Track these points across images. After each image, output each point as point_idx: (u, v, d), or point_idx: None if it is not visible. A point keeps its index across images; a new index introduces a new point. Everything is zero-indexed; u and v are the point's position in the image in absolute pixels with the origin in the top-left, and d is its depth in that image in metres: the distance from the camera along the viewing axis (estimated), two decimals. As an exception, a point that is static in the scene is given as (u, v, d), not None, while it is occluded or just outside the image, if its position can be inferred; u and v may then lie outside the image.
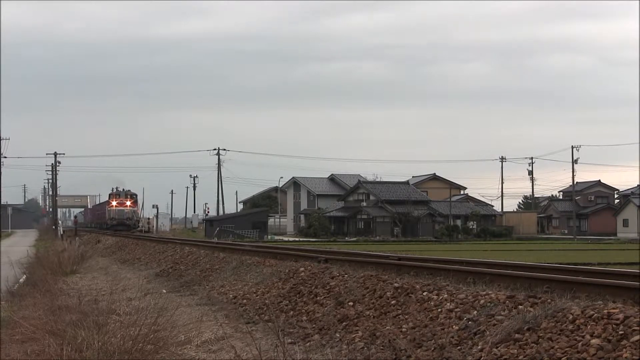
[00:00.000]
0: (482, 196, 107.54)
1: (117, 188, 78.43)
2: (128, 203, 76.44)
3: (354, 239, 75.52)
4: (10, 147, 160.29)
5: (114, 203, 76.10)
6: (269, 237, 75.63)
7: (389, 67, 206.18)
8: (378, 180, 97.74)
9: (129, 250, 37.99)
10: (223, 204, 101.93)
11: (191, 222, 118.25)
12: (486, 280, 11.96)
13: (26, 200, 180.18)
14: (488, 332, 8.91)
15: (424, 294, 11.33)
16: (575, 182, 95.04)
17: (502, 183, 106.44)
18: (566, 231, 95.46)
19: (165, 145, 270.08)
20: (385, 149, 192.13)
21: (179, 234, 77.74)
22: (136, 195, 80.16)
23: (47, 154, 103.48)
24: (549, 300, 9.17)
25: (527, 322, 8.56)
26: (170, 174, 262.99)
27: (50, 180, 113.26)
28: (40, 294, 17.89)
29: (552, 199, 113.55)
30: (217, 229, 75.88)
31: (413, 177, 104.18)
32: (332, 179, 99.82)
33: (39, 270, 24.83)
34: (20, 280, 23.60)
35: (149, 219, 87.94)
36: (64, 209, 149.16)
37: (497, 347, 8.39)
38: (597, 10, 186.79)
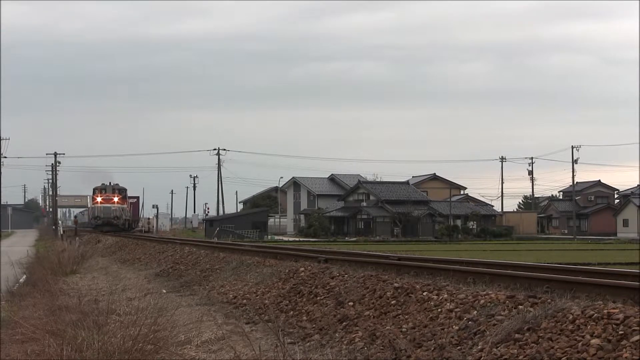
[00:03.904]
0: (482, 196, 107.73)
1: (105, 182, 68.74)
2: (116, 199, 66.02)
3: (354, 239, 75.51)
4: (10, 147, 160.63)
5: (98, 199, 65.99)
6: (269, 237, 75.63)
7: (389, 67, 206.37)
8: (378, 180, 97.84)
9: (129, 250, 37.97)
10: (223, 204, 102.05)
11: (191, 222, 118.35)
12: (486, 280, 11.96)
13: (26, 200, 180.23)
14: (488, 332, 8.91)
15: (424, 294, 11.33)
16: (575, 182, 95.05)
17: (502, 183, 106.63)
18: (566, 231, 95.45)
19: (165, 145, 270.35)
20: (385, 149, 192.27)
21: (179, 234, 77.44)
22: (125, 190, 69.71)
23: (47, 154, 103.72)
24: (549, 300, 9.16)
25: (527, 322, 8.56)
26: (170, 174, 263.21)
27: (50, 180, 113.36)
28: (40, 294, 17.90)
29: (552, 199, 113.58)
30: (217, 229, 75.74)
31: (413, 177, 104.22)
32: (332, 179, 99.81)
33: (39, 270, 24.84)
34: (20, 280, 23.61)
35: (149, 219, 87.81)
36: (64, 209, 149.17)
37: (497, 347, 8.38)
38: (597, 10, 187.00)
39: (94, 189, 67.82)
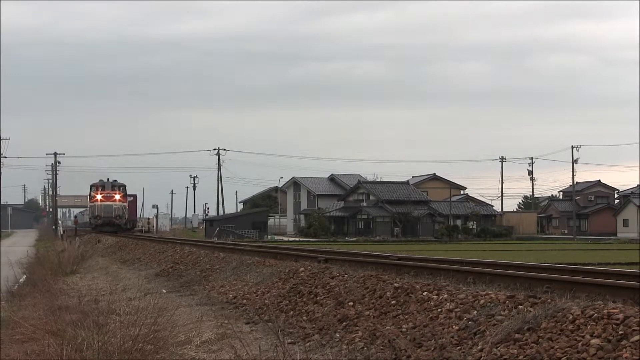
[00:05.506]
0: (482, 196, 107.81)
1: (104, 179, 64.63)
2: (117, 197, 61.90)
3: (354, 239, 75.51)
4: (10, 147, 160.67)
5: (98, 197, 61.64)
6: (269, 237, 75.62)
7: (389, 67, 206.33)
8: (378, 180, 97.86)
9: (129, 250, 37.96)
10: (223, 204, 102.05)
11: (191, 222, 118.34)
12: (486, 280, 11.95)
13: (26, 200, 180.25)
14: (488, 332, 8.91)
15: (424, 294, 11.33)
16: (575, 182, 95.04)
17: (502, 183, 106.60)
18: (566, 231, 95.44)
19: (165, 145, 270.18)
20: (385, 149, 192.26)
21: (179, 234, 77.35)
22: (125, 186, 65.45)
23: (47, 154, 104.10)
24: (549, 300, 9.16)
25: (527, 322, 8.56)
26: (170, 174, 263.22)
27: (50, 180, 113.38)
28: (40, 294, 17.90)
29: (552, 199, 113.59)
30: (217, 229, 75.73)
31: (413, 177, 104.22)
32: (332, 179, 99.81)
33: (39, 270, 24.85)
34: (20, 280, 23.62)
35: (149, 219, 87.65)
36: (64, 209, 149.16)
37: (497, 347, 8.38)
38: (597, 10, 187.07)
39: (92, 186, 64.16)
